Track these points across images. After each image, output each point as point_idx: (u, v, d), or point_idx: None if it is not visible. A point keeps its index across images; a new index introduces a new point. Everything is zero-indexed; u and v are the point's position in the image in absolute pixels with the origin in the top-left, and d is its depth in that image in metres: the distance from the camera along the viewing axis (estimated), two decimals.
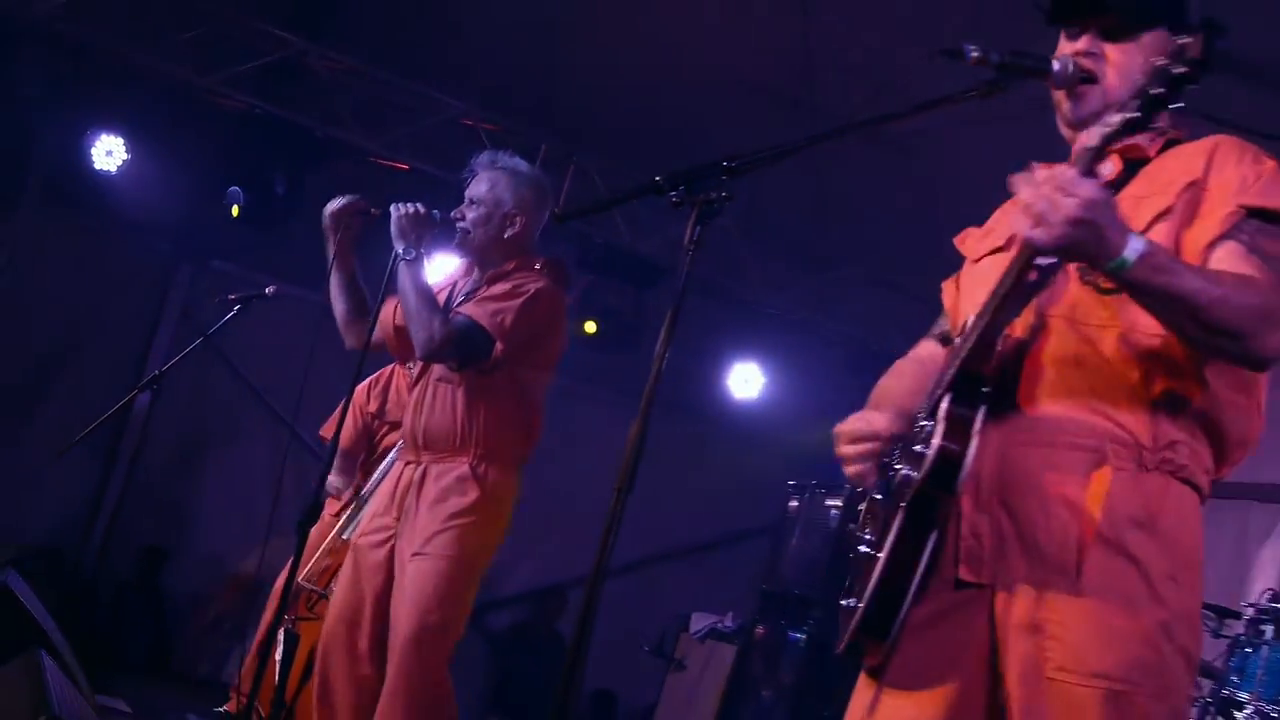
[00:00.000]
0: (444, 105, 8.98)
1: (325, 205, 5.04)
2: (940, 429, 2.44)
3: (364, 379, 6.69)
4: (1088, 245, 2.31)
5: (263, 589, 7.10)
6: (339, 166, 8.94)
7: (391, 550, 4.84)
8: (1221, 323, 2.34)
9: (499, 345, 4.77)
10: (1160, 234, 2.52)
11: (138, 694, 7.14)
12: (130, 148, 8.75)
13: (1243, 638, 6.05)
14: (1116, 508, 2.46)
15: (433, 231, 4.87)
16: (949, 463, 2.42)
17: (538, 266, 5.06)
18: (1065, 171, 2.32)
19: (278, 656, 5.82)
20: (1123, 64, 2.67)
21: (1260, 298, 2.37)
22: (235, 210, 8.76)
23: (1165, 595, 2.45)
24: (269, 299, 6.54)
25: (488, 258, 5.05)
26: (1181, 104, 2.32)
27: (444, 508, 4.76)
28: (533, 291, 4.87)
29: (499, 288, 4.90)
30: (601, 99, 8.82)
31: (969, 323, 2.59)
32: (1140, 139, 2.67)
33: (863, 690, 2.66)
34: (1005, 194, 2.77)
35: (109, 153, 8.70)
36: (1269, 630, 5.95)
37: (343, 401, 5.02)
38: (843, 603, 2.59)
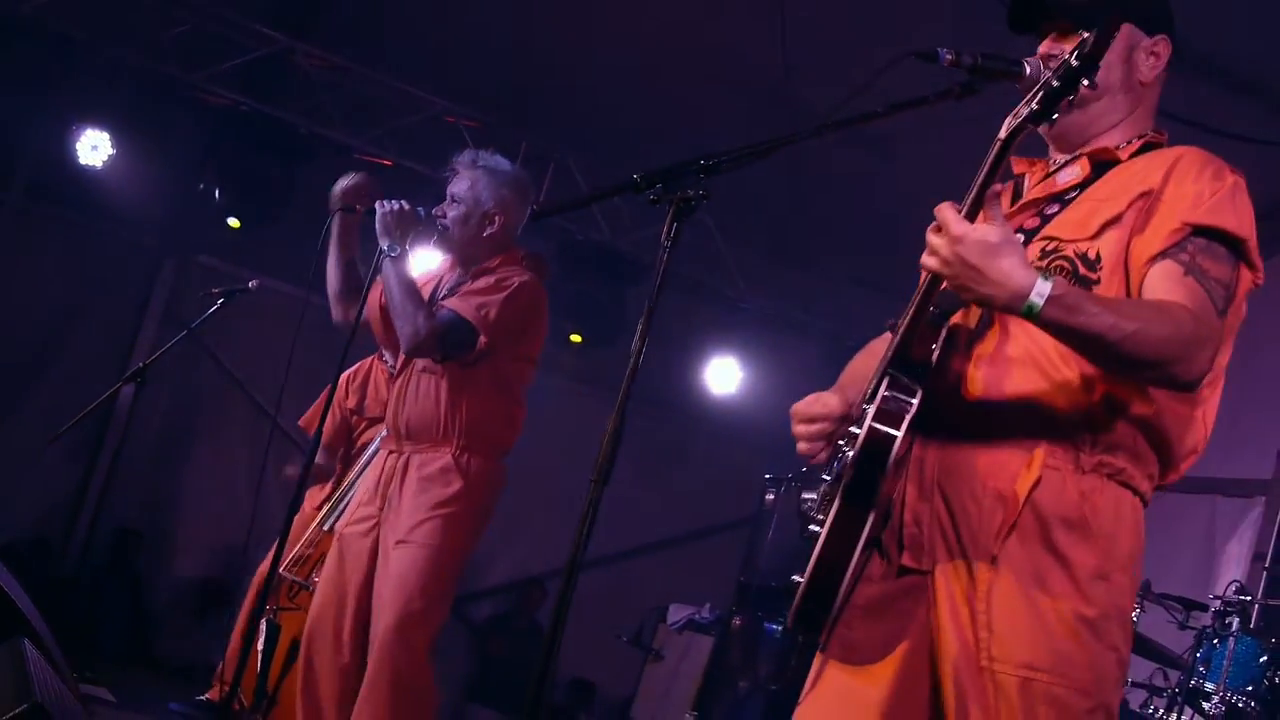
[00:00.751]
0: (427, 103, 9.04)
1: (333, 187, 5.07)
2: (873, 411, 2.47)
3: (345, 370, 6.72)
4: (968, 285, 2.34)
5: (244, 578, 7.16)
6: (323, 163, 8.99)
7: (375, 539, 4.89)
8: (1137, 356, 2.37)
9: (483, 338, 4.83)
10: (1110, 241, 2.54)
11: (120, 682, 7.17)
12: (116, 143, 8.76)
13: (1209, 630, 6.13)
14: (1045, 504, 2.49)
15: (416, 228, 4.93)
16: (878, 445, 2.45)
17: (521, 260, 5.12)
18: (943, 210, 2.36)
19: (260, 646, 5.88)
20: None
21: (1177, 328, 2.38)
22: (235, 223, 8.86)
23: (1092, 594, 2.48)
24: (252, 293, 6.59)
25: (469, 254, 5.11)
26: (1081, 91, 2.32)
27: (427, 497, 4.82)
28: (516, 285, 4.94)
29: (482, 282, 4.97)
30: (582, 97, 8.88)
31: (915, 291, 2.58)
32: (1109, 140, 2.70)
33: (814, 665, 2.73)
34: None
35: (94, 148, 8.71)
36: (1235, 622, 6.04)
37: (325, 391, 5.09)
38: (794, 579, 2.62)
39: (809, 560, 2.55)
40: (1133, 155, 2.69)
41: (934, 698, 2.58)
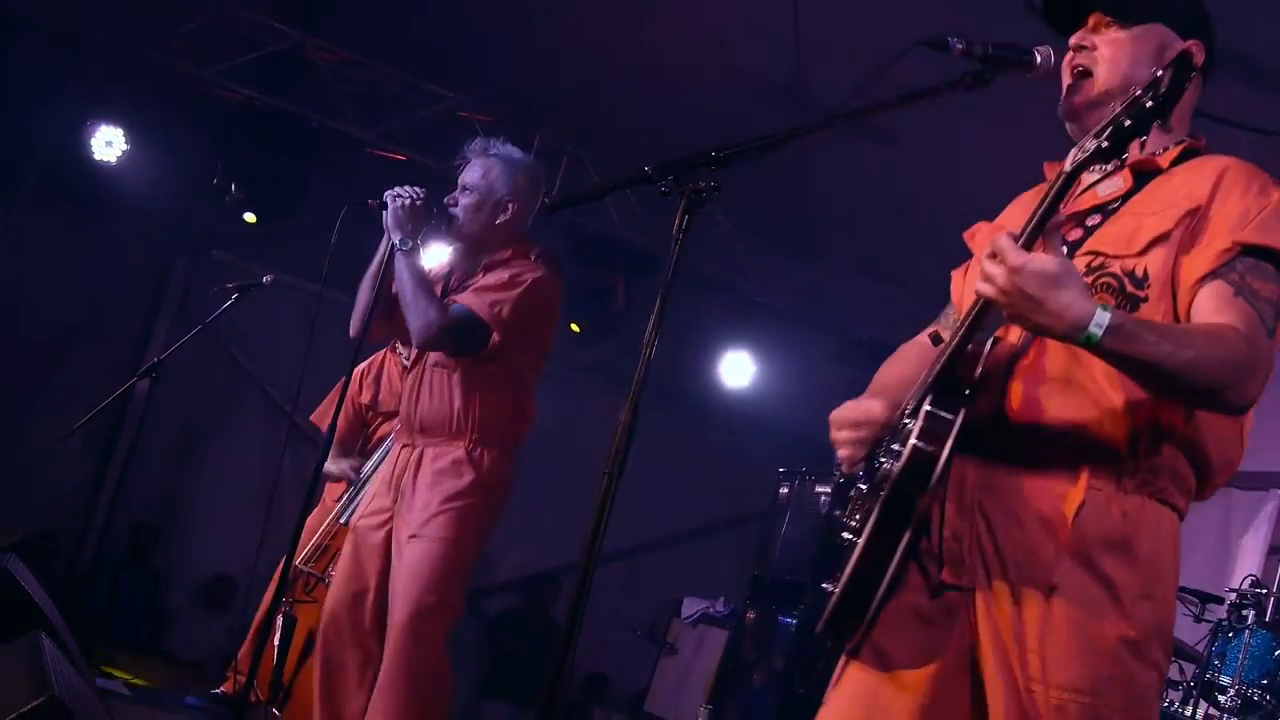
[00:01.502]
0: (439, 97, 9.05)
1: (387, 192, 4.93)
2: (917, 429, 2.46)
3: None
4: (1025, 315, 2.34)
5: (259, 573, 7.17)
6: (336, 158, 9.02)
7: (389, 533, 4.89)
8: (1194, 384, 2.37)
9: (496, 335, 4.82)
10: (1157, 258, 2.52)
11: (136, 676, 7.20)
12: (129, 138, 8.80)
13: (1225, 623, 6.12)
14: (1089, 526, 2.48)
15: (429, 219, 4.93)
16: (923, 463, 2.44)
17: (534, 256, 5.09)
18: (1000, 240, 2.35)
19: (276, 639, 5.90)
20: (1111, 57, 2.67)
21: (1232, 352, 2.38)
22: (251, 218, 8.88)
23: (1136, 614, 2.48)
24: (266, 288, 6.60)
25: (481, 244, 5.08)
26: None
27: (440, 490, 4.81)
28: (530, 281, 4.91)
29: (496, 277, 4.94)
30: (596, 90, 8.87)
31: (964, 313, 2.57)
32: (1148, 146, 2.66)
33: (839, 668, 2.72)
34: (1005, 186, 2.80)
35: (109, 143, 8.76)
36: (1250, 615, 6.03)
37: (338, 386, 5.09)
38: (825, 586, 2.62)
39: (844, 569, 2.56)
40: (1173, 163, 2.66)
41: (976, 711, 2.59)
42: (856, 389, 2.91)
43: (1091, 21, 2.74)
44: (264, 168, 8.97)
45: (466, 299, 4.88)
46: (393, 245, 4.81)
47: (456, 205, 5.01)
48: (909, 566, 2.63)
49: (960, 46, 2.73)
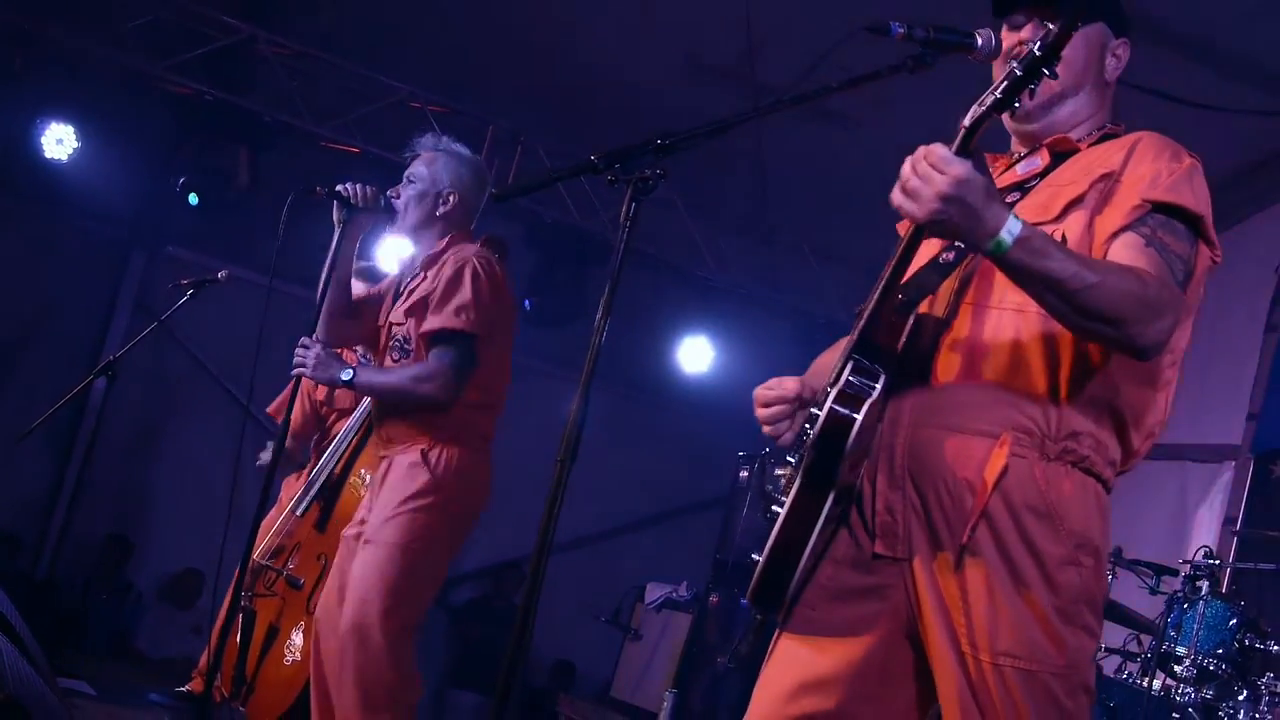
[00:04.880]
0: (391, 89, 9.03)
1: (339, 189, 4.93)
2: (833, 394, 2.51)
3: None
4: (959, 224, 2.36)
5: (222, 569, 7.16)
6: (289, 151, 8.99)
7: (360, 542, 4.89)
8: (1095, 307, 2.39)
9: (479, 337, 4.81)
10: (1074, 221, 2.59)
11: (100, 675, 7.18)
12: (81, 135, 8.75)
13: (1180, 594, 6.18)
14: (1012, 493, 2.53)
15: (377, 210, 4.94)
16: (838, 427, 2.48)
17: (479, 243, 5.09)
18: (937, 149, 2.37)
19: (237, 636, 5.91)
20: (1069, 56, 2.64)
21: (1140, 286, 2.42)
22: (193, 198, 8.83)
23: (1062, 581, 2.53)
24: (221, 283, 6.59)
25: (421, 236, 5.08)
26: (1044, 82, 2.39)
27: (394, 495, 4.80)
28: (472, 269, 4.87)
29: (439, 281, 4.89)
30: (548, 79, 8.88)
31: (894, 254, 2.61)
32: (1072, 135, 2.76)
33: (773, 642, 2.78)
34: None
35: (59, 141, 8.70)
36: (1205, 586, 6.09)
37: (291, 383, 5.09)
38: (753, 557, 2.66)
39: (768, 540, 2.60)
40: (1092, 145, 2.74)
41: (920, 685, 2.66)
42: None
43: (1039, 19, 2.77)
44: (217, 162, 8.93)
45: (432, 324, 4.83)
46: (349, 375, 4.82)
47: (399, 197, 5.03)
48: (837, 537, 2.68)
49: (901, 31, 2.76)
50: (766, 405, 2.82)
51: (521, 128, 9.28)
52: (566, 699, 9.21)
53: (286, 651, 5.98)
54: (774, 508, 2.66)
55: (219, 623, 6.43)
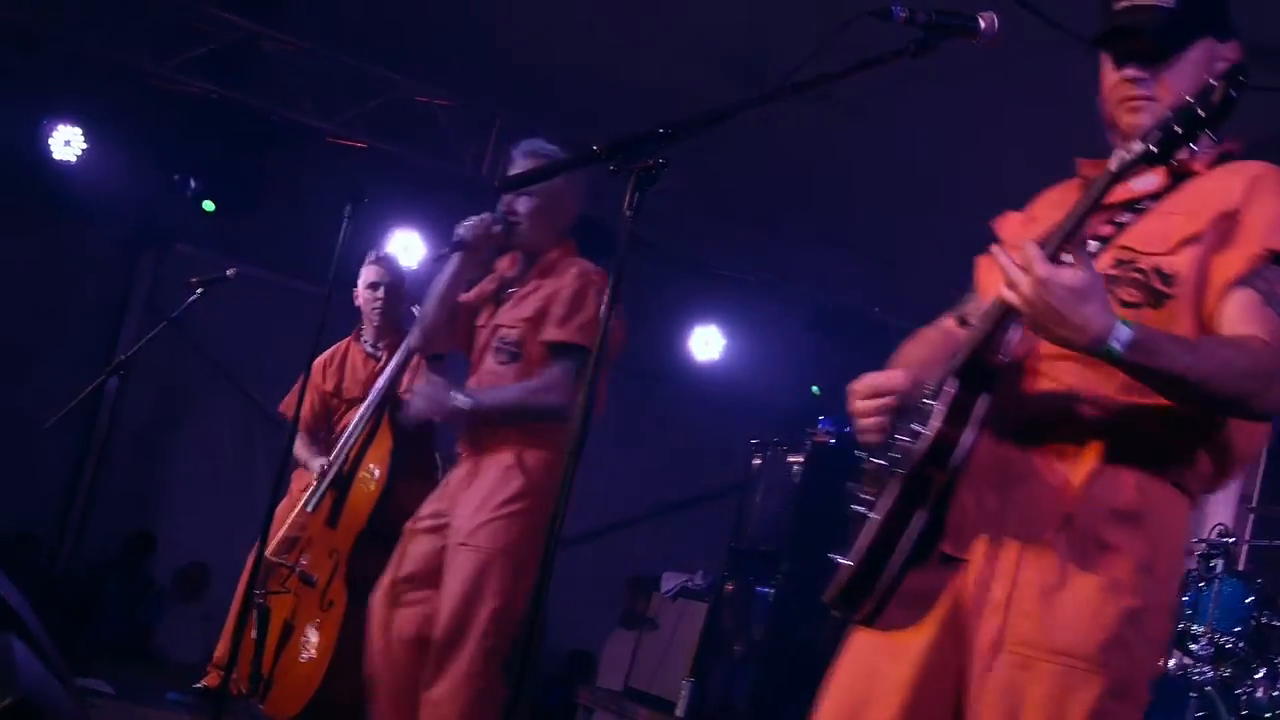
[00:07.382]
0: (396, 83, 9.03)
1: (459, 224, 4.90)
2: (941, 412, 2.47)
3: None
4: (1048, 326, 2.34)
5: (235, 566, 7.18)
6: (296, 148, 9.00)
7: (440, 538, 4.83)
8: (1218, 395, 2.37)
9: (590, 351, 4.75)
10: (1188, 258, 2.52)
11: (118, 674, 7.20)
12: (88, 137, 8.78)
13: (1195, 573, 6.17)
14: (1098, 497, 2.49)
15: (498, 240, 4.88)
16: (944, 446, 2.46)
17: (574, 250, 5.05)
18: (1030, 249, 2.34)
19: (253, 633, 5.92)
20: (1172, 83, 2.63)
21: (1257, 362, 2.37)
22: (209, 205, 8.87)
23: (1139, 585, 2.47)
24: (231, 281, 6.60)
25: (537, 246, 4.99)
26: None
27: (488, 499, 4.72)
28: (597, 289, 4.80)
29: (562, 291, 4.85)
30: (555, 70, 8.86)
31: (987, 310, 2.55)
32: (1188, 155, 2.60)
33: (847, 640, 2.74)
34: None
35: (67, 143, 8.75)
36: (1220, 564, 6.08)
37: (301, 377, 5.10)
38: (834, 557, 2.63)
39: (855, 540, 2.58)
40: (1209, 166, 2.66)
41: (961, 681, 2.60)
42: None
43: (1141, 51, 2.69)
44: (224, 161, 8.95)
45: (558, 335, 4.80)
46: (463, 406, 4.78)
47: (515, 213, 4.92)
48: (928, 544, 2.62)
49: (904, 15, 2.74)
50: (877, 396, 2.68)
51: (530, 120, 9.26)
52: (586, 690, 9.20)
53: (302, 649, 5.99)
54: (855, 508, 2.64)
55: (231, 618, 6.47)
